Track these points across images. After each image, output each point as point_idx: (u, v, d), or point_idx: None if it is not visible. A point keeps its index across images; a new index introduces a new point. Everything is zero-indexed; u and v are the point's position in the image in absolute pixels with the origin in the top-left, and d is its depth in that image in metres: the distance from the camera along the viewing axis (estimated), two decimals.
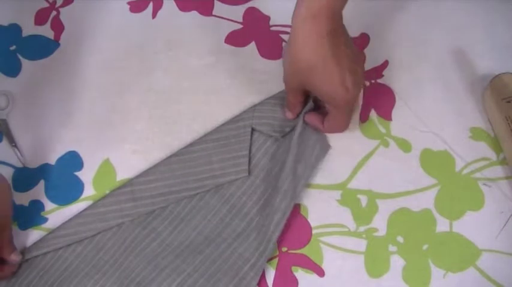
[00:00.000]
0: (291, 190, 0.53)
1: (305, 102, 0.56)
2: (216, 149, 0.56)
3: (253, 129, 0.57)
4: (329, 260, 0.53)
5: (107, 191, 0.56)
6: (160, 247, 0.53)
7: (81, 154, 0.57)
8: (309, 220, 0.55)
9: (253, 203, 0.55)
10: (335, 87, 0.49)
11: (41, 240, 0.54)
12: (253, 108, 0.58)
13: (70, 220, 0.55)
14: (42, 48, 0.62)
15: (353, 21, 0.62)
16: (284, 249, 0.54)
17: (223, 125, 0.57)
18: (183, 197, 0.55)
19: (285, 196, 0.53)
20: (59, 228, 0.54)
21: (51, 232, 0.54)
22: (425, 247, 0.54)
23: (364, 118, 0.59)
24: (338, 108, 0.51)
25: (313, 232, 0.54)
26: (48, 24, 0.63)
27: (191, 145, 0.57)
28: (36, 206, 0.55)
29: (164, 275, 0.52)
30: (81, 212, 0.55)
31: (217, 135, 0.57)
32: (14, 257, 0.52)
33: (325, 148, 0.57)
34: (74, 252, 0.54)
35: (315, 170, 0.56)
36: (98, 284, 0.52)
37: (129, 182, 0.55)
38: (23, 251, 0.53)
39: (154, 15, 0.64)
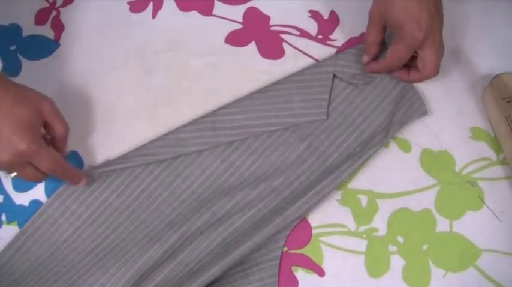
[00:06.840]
0: (372, 141, 0.56)
1: (381, 47, 0.57)
2: (298, 90, 0.58)
3: (334, 76, 0.58)
4: (329, 260, 0.53)
5: None
6: (238, 180, 0.55)
7: (81, 154, 0.57)
8: (309, 220, 0.55)
9: (330, 142, 0.56)
10: (408, 18, 0.51)
11: (119, 157, 0.56)
12: (336, 56, 0.60)
13: (151, 142, 0.56)
14: (42, 48, 0.62)
15: (353, 22, 0.63)
16: (284, 249, 0.54)
17: (305, 69, 0.60)
18: (262, 133, 0.56)
19: (368, 146, 0.55)
20: (139, 148, 0.56)
21: (132, 151, 0.56)
22: (425, 247, 0.54)
23: None
24: (404, 40, 0.53)
25: (313, 232, 0.54)
26: (48, 24, 0.63)
27: (273, 83, 0.59)
28: (36, 206, 0.55)
29: (238, 207, 0.53)
30: (162, 135, 0.56)
31: (300, 77, 0.59)
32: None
33: (421, 110, 0.57)
34: (151, 174, 0.55)
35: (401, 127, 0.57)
36: (176, 211, 0.54)
37: (212, 113, 0.57)
38: (101, 165, 0.55)
39: (154, 15, 0.64)
